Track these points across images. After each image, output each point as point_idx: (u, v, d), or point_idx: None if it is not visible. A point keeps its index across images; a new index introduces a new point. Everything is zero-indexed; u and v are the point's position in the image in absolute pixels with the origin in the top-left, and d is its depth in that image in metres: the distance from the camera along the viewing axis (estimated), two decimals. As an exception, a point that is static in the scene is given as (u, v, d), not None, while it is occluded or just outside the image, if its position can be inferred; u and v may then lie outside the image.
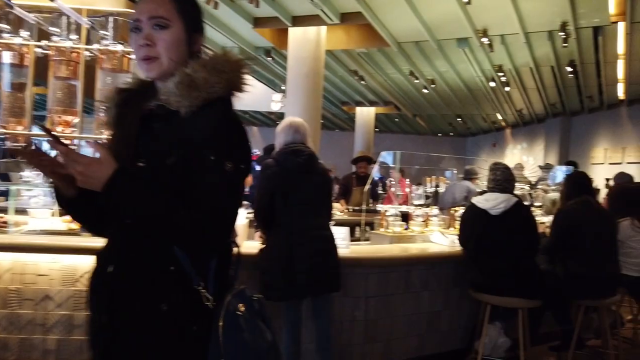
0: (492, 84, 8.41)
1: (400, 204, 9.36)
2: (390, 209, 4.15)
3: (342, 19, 5.46)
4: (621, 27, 5.55)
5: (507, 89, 8.74)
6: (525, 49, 6.51)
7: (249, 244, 3.08)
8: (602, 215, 3.48)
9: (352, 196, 6.35)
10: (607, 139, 10.70)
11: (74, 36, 3.00)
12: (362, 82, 8.78)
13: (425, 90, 9.32)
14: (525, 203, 5.02)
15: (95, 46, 2.98)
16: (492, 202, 3.35)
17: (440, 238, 4.05)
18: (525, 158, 14.25)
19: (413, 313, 3.47)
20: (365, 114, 12.06)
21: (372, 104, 11.68)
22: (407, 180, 9.06)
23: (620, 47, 6.30)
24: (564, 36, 5.57)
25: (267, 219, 2.79)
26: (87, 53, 2.94)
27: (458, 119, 13.59)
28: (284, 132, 2.95)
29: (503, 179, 3.40)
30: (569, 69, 7.20)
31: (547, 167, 7.21)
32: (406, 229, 4.26)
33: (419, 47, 6.69)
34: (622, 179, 6.47)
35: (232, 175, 1.05)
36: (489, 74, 8.03)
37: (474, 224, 3.55)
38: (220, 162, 1.03)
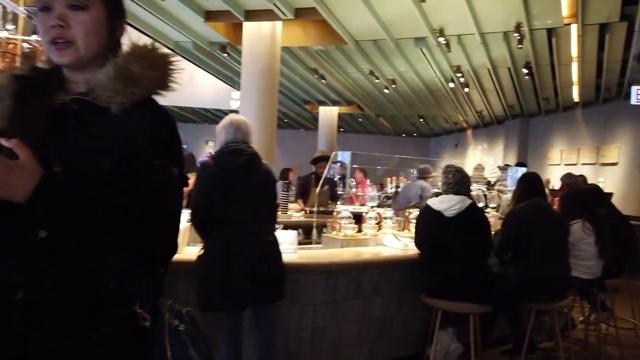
0: (452, 85, 8.43)
1: (361, 205, 9.28)
2: (343, 211, 4.02)
3: (296, 14, 5.30)
4: (574, 29, 5.62)
5: (466, 90, 8.79)
6: (481, 50, 6.52)
7: (190, 249, 2.89)
8: (552, 217, 3.45)
9: (310, 197, 6.21)
10: (563, 140, 10.95)
11: (10, 26, 2.77)
12: (323, 81, 8.65)
13: (386, 90, 9.28)
14: (480, 204, 5.01)
15: (33, 37, 2.75)
16: (446, 204, 3.28)
17: (393, 241, 3.95)
18: (486, 158, 14.49)
19: (364, 319, 3.35)
20: (328, 114, 11.96)
21: (334, 103, 11.58)
22: (368, 180, 9.01)
23: (574, 49, 6.40)
24: (519, 37, 5.59)
25: (204, 223, 2.61)
26: (26, 45, 2.71)
27: (420, 120, 13.67)
28: (224, 131, 2.78)
29: (455, 181, 3.35)
30: (525, 70, 7.27)
31: (505, 168, 7.28)
32: (359, 232, 4.15)
33: (377, 46, 6.61)
34: (569, 179, 6.59)
35: (178, 180, 0.99)
36: (447, 74, 8.04)
37: (428, 225, 3.47)
38: (167, 167, 0.96)
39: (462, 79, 8.04)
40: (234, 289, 2.51)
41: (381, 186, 9.36)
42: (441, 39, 5.83)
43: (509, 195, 7.10)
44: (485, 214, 4.38)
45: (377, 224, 4.28)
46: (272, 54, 5.60)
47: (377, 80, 8.46)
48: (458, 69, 7.58)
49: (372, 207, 4.12)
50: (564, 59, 6.86)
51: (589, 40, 6.04)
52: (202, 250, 2.60)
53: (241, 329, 2.71)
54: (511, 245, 3.46)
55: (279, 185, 9.20)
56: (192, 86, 12.61)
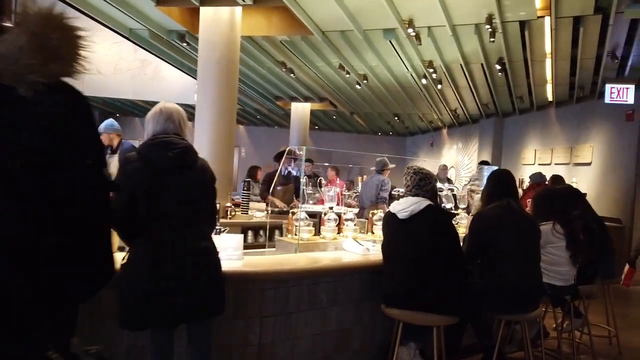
0: (424, 81, 8.19)
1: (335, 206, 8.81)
2: (299, 212, 3.69)
3: (256, 0, 4.95)
4: (547, 22, 5.41)
5: (439, 86, 8.57)
6: (453, 44, 6.28)
7: (116, 256, 2.51)
8: (524, 220, 3.19)
9: (275, 196, 5.88)
10: (537, 140, 10.86)
11: None
12: (292, 75, 8.31)
13: (358, 86, 8.99)
14: (449, 205, 4.74)
15: None
16: (402, 205, 3.00)
17: (353, 245, 3.64)
18: (461, 158, 14.37)
19: (319, 332, 3.05)
20: (300, 110, 11.62)
21: (306, 99, 11.25)
22: (338, 179, 8.70)
23: (547, 44, 6.20)
24: (491, 30, 5.35)
25: (127, 226, 2.25)
26: None
27: (395, 118, 13.46)
28: (153, 120, 2.42)
29: (412, 184, 3.08)
30: (498, 67, 7.07)
31: (484, 163, 7.08)
32: (318, 235, 3.84)
33: (345, 38, 6.30)
34: (538, 179, 6.40)
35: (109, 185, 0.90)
36: (419, 70, 7.79)
37: (385, 228, 3.20)
38: (100, 168, 0.87)
39: (434, 75, 7.79)
40: (162, 304, 2.17)
41: (352, 184, 9.10)
42: (410, 31, 5.55)
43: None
44: (453, 215, 4.07)
45: (338, 226, 3.99)
46: (230, 42, 5.23)
47: (347, 75, 8.16)
48: (430, 64, 7.33)
49: (331, 208, 3.80)
50: (538, 55, 6.67)
51: (563, 35, 5.85)
52: (125, 259, 2.25)
53: (172, 347, 2.37)
54: (476, 251, 3.19)
55: (244, 183, 8.81)
56: (158, 80, 12.12)
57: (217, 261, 2.35)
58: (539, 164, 10.41)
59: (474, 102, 10.39)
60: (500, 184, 3.27)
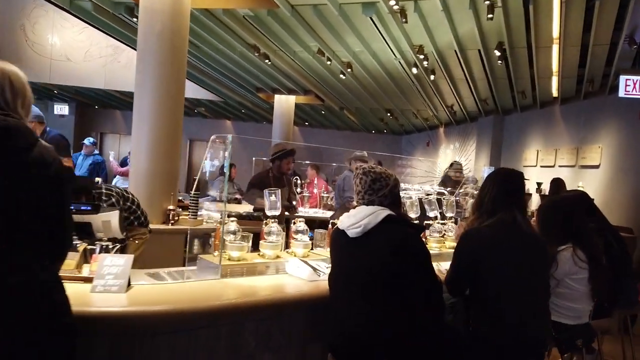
0: (415, 71, 7.30)
1: (312, 207, 7.89)
2: (229, 223, 2.81)
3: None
4: (556, -4, 4.53)
5: (432, 77, 7.67)
6: (445, 23, 5.39)
7: None
8: (534, 244, 2.30)
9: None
10: (539, 139, 9.97)
11: None
12: (267, 61, 7.42)
13: (342, 76, 8.10)
14: (432, 213, 3.84)
15: None
16: (351, 219, 2.10)
17: (299, 267, 2.76)
18: (458, 158, 13.48)
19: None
20: (284, 104, 10.73)
21: (290, 92, 10.36)
22: (316, 179, 7.81)
23: (556, 26, 5.31)
24: (489, 3, 4.46)
25: None
26: None
27: (389, 115, 12.56)
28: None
29: (364, 188, 2.22)
30: (498, 53, 6.17)
31: (455, 166, 6.16)
32: (257, 252, 2.97)
33: (318, 13, 5.41)
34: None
35: None
36: (409, 57, 6.89)
37: (332, 250, 2.31)
38: None
39: (426, 63, 6.90)
40: None
41: (333, 183, 8.19)
42: (393, 3, 4.66)
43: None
44: (422, 229, 3.13)
45: (290, 240, 3.13)
46: (177, 13, 4.34)
47: (329, 63, 7.26)
48: (420, 50, 6.43)
49: (274, 217, 2.91)
50: (543, 40, 5.78)
51: (574, 15, 4.96)
52: None
53: None
54: (463, 283, 2.32)
55: (216, 182, 7.90)
56: (132, 68, 11.23)
57: (43, 303, 1.48)
58: (542, 166, 9.54)
59: (471, 97, 9.50)
60: (507, 190, 2.37)
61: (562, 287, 2.54)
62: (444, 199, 4.05)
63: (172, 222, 4.44)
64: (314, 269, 2.78)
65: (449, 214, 4.01)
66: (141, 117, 4.48)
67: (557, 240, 2.62)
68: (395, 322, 1.96)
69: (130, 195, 3.51)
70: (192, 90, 11.39)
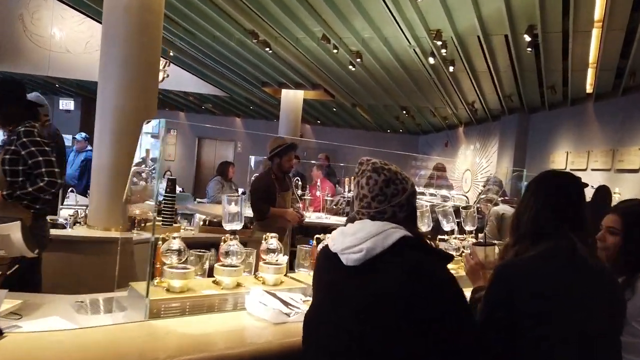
0: (432, 61, 6.51)
1: (316, 211, 7.06)
2: (172, 239, 2.11)
3: None
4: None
5: (451, 69, 6.87)
6: (467, 3, 4.61)
7: None
8: (600, 280, 1.54)
9: (276, 206, 4.31)
10: (570, 140, 9.08)
11: None
12: (268, 50, 6.72)
13: (352, 68, 7.35)
14: (448, 227, 3.10)
15: None
16: (348, 239, 1.52)
17: (259, 303, 2.06)
18: (478, 160, 12.62)
19: None
20: (290, 98, 10.03)
21: (297, 86, 9.65)
22: (319, 180, 7.09)
23: (599, 4, 4.49)
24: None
25: None
26: None
27: (404, 112, 11.76)
28: None
29: (374, 192, 1.55)
30: (528, 38, 5.35)
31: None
32: (211, 278, 2.27)
33: (318, -11, 4.70)
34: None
35: None
36: (425, 44, 6.12)
37: (315, 278, 1.68)
38: None
39: (444, 52, 6.11)
40: None
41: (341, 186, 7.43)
42: (405, -27, 3.92)
43: (501, 209, 5.21)
44: (450, 259, 2.33)
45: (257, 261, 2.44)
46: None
47: (335, 51, 6.53)
48: (438, 36, 5.66)
49: (233, 233, 2.20)
50: (583, 23, 4.95)
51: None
52: None
53: None
54: (495, 338, 1.57)
55: (212, 183, 7.21)
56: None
57: None
58: (572, 169, 8.65)
59: (494, 92, 8.66)
60: (558, 204, 1.61)
61: (627, 334, 1.77)
62: (462, 209, 3.28)
63: (138, 229, 3.76)
64: (285, 304, 2.07)
65: (468, 227, 3.25)
66: (105, 110, 3.82)
67: (616, 270, 1.85)
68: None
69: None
70: (197, 85, 10.78)
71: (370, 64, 7.27)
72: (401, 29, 5.58)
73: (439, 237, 3.22)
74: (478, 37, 5.69)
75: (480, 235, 5.08)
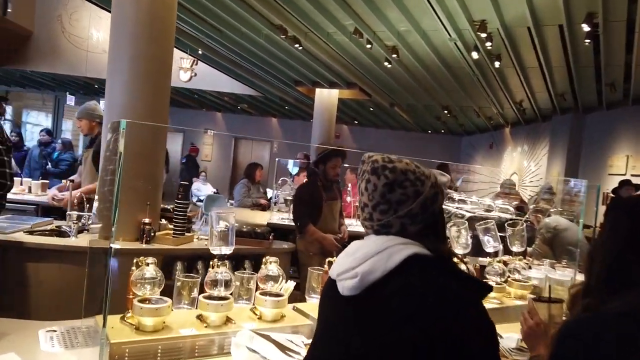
0: (475, 56, 5.95)
1: (348, 216, 6.59)
2: (146, 268, 1.75)
3: None
4: None
5: (497, 64, 6.28)
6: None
7: None
8: None
9: (322, 217, 4.00)
10: (630, 143, 8.23)
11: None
12: (298, 46, 6.35)
13: (387, 65, 6.87)
14: (492, 248, 2.62)
15: None
16: (345, 261, 1.23)
17: (248, 353, 1.67)
18: (526, 163, 11.81)
19: None
20: (325, 98, 9.63)
21: (331, 85, 9.25)
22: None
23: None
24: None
25: None
26: None
27: (445, 112, 11.14)
28: None
29: (375, 198, 1.21)
30: (587, 28, 4.73)
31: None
32: (199, 315, 1.87)
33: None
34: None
35: None
36: (468, 37, 5.57)
37: (319, 309, 1.36)
38: None
39: (489, 46, 5.54)
40: None
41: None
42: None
43: (554, 220, 4.62)
44: (489, 290, 1.81)
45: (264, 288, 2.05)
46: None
47: (369, 47, 6.08)
48: (482, 27, 5.11)
49: (222, 258, 1.82)
50: (653, 9, 4.29)
51: None
52: None
53: None
54: None
55: (238, 185, 6.88)
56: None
57: None
58: (633, 175, 7.82)
59: (545, 90, 7.96)
60: None
61: None
62: (508, 226, 2.77)
63: (147, 239, 3.46)
64: (282, 349, 1.67)
65: (516, 248, 2.74)
66: (112, 110, 3.54)
67: None
68: None
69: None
70: (231, 85, 10.59)
71: (407, 60, 6.77)
72: (441, 21, 5.07)
73: (479, 259, 2.74)
74: (528, 28, 5.10)
75: (529, 249, 4.51)
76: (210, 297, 1.75)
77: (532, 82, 7.59)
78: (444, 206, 4.03)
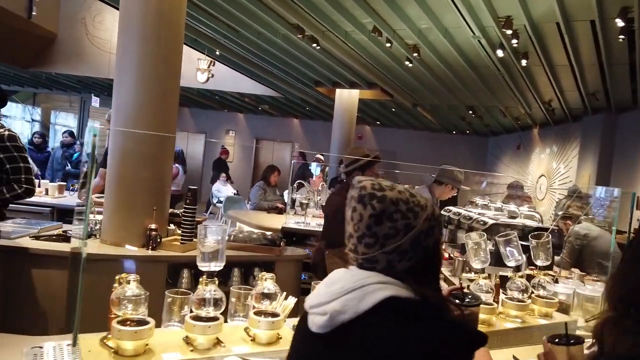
0: (501, 54, 5.68)
1: None
2: (128, 289, 1.62)
3: None
4: None
5: (524, 63, 5.98)
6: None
7: None
8: None
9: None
10: (667, 145, 7.81)
11: None
12: (316, 46, 6.19)
13: (408, 64, 6.65)
14: (509, 264, 2.41)
15: None
16: (321, 293, 1.12)
17: None
18: (555, 165, 11.37)
19: None
20: (345, 98, 9.45)
21: (352, 85, 9.06)
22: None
23: None
24: None
25: None
26: None
27: (470, 112, 10.82)
28: None
29: (361, 228, 1.09)
30: (620, 23, 4.42)
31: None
32: (186, 337, 1.73)
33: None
34: None
35: None
36: (493, 35, 5.31)
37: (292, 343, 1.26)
38: None
39: (515, 43, 5.27)
40: None
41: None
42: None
43: (584, 228, 4.35)
44: (482, 341, 1.58)
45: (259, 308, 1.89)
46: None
47: (389, 45, 5.87)
48: (508, 24, 4.85)
49: (210, 275, 1.67)
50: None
51: None
52: None
53: None
54: None
55: (254, 188, 6.76)
56: (184, 62, 10.60)
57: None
58: (670, 180, 7.40)
59: (575, 90, 7.59)
60: None
61: None
62: (532, 238, 2.55)
63: (153, 245, 3.36)
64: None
65: (540, 261, 2.52)
66: (120, 111, 3.46)
67: None
68: None
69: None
70: (252, 86, 10.53)
71: (429, 59, 6.54)
72: (463, 18, 4.83)
73: (500, 273, 2.53)
74: (557, 24, 4.82)
75: (557, 258, 4.23)
76: (197, 318, 1.61)
77: (561, 81, 7.25)
78: (465, 211, 3.77)
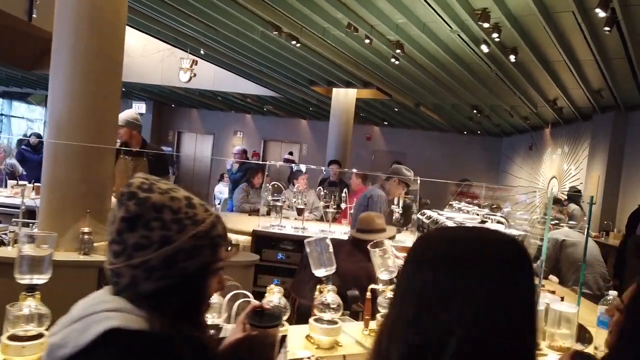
0: (486, 49, 5.37)
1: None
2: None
3: None
4: None
5: (512, 58, 5.65)
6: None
7: None
8: None
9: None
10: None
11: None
12: (295, 43, 6.00)
13: (395, 61, 6.39)
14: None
15: None
16: (58, 323, 0.96)
17: None
18: (566, 166, 10.89)
19: None
20: (341, 98, 9.24)
21: (347, 84, 8.84)
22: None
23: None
24: None
25: None
26: None
27: (475, 112, 10.45)
28: None
29: (112, 235, 0.95)
30: (602, 13, 4.08)
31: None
32: None
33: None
34: None
35: None
36: (474, 29, 5.01)
37: None
38: None
39: (497, 38, 4.97)
40: None
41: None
42: None
43: (562, 233, 4.07)
44: None
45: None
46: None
47: (368, 41, 5.64)
48: (484, 16, 4.55)
49: (32, 289, 1.50)
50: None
51: None
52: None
53: None
54: None
55: (237, 191, 6.62)
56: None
57: None
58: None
59: (578, 87, 7.19)
60: None
61: None
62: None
63: (85, 250, 3.24)
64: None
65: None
66: (55, 102, 3.35)
67: None
68: None
69: None
70: (251, 86, 10.43)
71: (414, 56, 6.27)
72: (435, 11, 4.57)
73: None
74: (537, 16, 4.51)
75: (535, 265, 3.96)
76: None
77: (561, 78, 6.87)
78: (437, 215, 3.46)
